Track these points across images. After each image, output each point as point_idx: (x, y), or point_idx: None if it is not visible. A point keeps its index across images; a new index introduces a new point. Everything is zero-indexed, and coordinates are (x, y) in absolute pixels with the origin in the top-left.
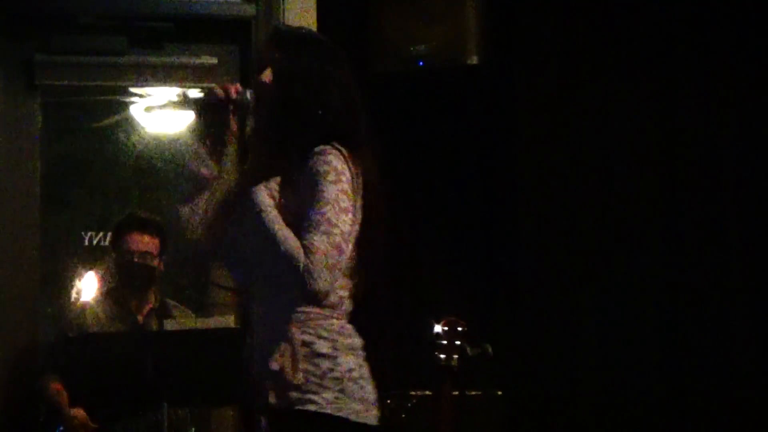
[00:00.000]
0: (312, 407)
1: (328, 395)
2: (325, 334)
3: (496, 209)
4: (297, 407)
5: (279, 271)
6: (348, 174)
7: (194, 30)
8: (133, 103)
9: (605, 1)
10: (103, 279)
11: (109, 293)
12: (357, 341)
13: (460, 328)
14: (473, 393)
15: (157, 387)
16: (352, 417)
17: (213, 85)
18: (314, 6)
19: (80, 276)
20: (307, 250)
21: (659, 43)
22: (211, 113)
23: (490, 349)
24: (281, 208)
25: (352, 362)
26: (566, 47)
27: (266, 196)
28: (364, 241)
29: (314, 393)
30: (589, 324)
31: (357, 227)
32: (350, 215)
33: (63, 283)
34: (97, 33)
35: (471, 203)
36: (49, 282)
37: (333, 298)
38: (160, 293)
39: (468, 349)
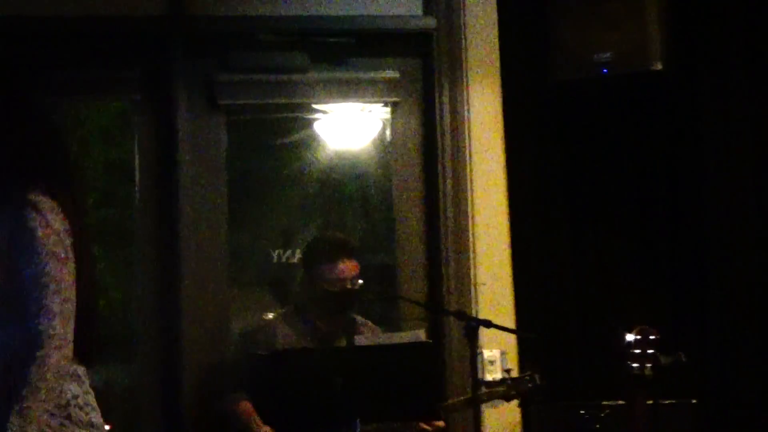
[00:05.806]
0: None
1: (55, 421)
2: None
3: (683, 215)
4: None
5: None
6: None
7: (376, 44)
8: (316, 119)
9: None
10: (290, 296)
11: (296, 310)
12: (81, 368)
13: (652, 337)
14: (667, 402)
15: (349, 404)
16: None
17: (397, 99)
18: (495, 16)
19: (268, 293)
20: (46, 310)
21: None
22: None
23: (683, 357)
24: None
25: (75, 389)
26: (751, 50)
27: None
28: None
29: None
30: None
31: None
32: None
33: (251, 301)
34: (278, 50)
35: (658, 210)
36: (237, 300)
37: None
38: None
39: (661, 357)
